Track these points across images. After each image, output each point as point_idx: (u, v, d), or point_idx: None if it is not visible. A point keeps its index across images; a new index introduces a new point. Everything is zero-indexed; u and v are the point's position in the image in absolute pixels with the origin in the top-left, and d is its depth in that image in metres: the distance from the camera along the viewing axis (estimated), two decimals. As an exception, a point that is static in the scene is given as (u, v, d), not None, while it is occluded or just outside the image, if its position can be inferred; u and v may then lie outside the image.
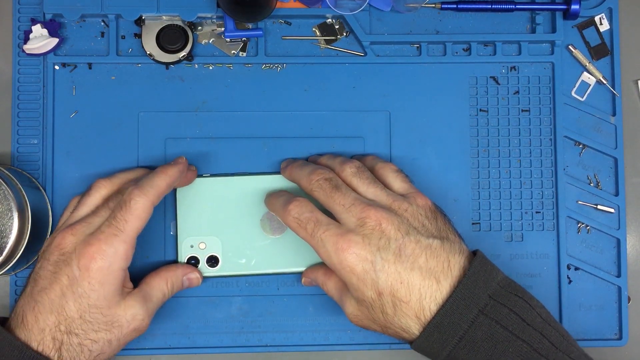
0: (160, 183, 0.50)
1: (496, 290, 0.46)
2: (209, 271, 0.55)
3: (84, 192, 0.52)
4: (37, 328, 0.46)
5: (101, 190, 0.51)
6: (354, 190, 0.50)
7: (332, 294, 0.52)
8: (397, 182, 0.52)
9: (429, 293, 0.45)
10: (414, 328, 0.46)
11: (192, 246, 0.55)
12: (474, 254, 0.48)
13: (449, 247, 0.47)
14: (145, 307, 0.50)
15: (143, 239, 0.54)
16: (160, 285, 0.52)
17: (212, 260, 0.55)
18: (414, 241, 0.46)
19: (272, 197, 0.53)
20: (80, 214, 0.50)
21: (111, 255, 0.47)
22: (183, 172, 0.52)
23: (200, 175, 0.56)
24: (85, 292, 0.46)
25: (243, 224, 0.55)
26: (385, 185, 0.51)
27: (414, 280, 0.45)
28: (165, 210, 0.56)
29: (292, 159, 0.56)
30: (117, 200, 0.49)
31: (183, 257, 0.55)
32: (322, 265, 0.53)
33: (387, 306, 0.46)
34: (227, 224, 0.55)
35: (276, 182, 0.56)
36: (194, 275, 0.54)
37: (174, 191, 0.55)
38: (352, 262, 0.46)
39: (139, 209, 0.48)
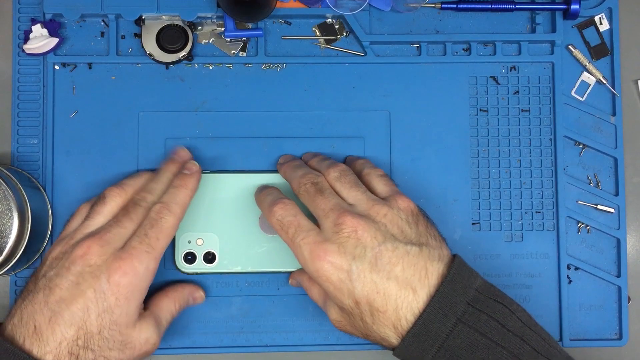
0: (185, 199, 0.50)
1: (475, 297, 0.45)
2: (205, 268, 0.55)
3: (97, 201, 0.51)
4: (54, 340, 0.44)
5: (117, 199, 0.50)
6: (338, 194, 0.50)
7: (316, 300, 0.52)
8: (380, 185, 0.51)
9: (405, 303, 0.45)
10: (392, 338, 0.46)
11: (189, 242, 0.55)
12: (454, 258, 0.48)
13: (428, 253, 0.46)
14: (157, 331, 0.49)
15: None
16: (169, 307, 0.52)
17: (209, 257, 0.55)
18: (390, 249, 0.46)
19: (261, 194, 0.53)
20: (97, 222, 0.49)
21: (142, 271, 0.47)
22: (200, 179, 0.53)
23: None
24: (111, 307, 0.46)
25: (241, 222, 0.55)
26: (369, 189, 0.51)
27: (390, 291, 0.45)
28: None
29: (290, 156, 0.56)
30: (141, 214, 0.49)
31: (180, 252, 0.55)
32: None
33: (366, 315, 0.46)
34: (226, 221, 0.55)
35: (276, 181, 0.55)
36: (198, 294, 0.55)
37: None
38: (328, 271, 0.46)
39: (169, 227, 0.48)
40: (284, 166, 0.54)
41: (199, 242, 0.55)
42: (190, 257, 0.55)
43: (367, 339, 0.48)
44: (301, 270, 0.54)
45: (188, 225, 0.55)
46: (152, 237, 0.47)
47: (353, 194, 0.49)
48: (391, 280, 0.45)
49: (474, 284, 0.46)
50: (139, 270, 0.46)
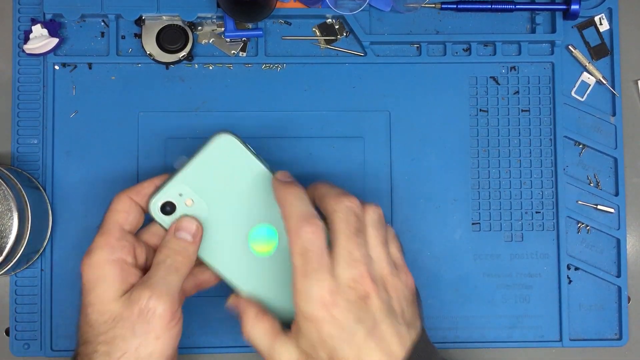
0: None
1: None
2: (163, 220, 0.48)
3: None
4: None
5: None
6: (364, 237, 0.46)
7: (260, 341, 0.46)
8: (392, 248, 0.48)
9: None
10: None
11: (181, 195, 0.47)
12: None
13: (413, 334, 0.46)
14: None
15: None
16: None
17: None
18: (389, 325, 0.44)
19: (290, 197, 0.46)
20: None
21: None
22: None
23: (237, 136, 0.48)
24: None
25: (239, 217, 0.48)
26: None
27: None
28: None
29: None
30: None
31: (164, 195, 0.47)
32: (256, 306, 0.48)
33: None
34: (227, 204, 0.48)
35: None
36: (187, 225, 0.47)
37: (207, 138, 0.48)
38: (323, 323, 0.43)
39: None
40: (319, 185, 0.48)
41: (188, 202, 0.47)
42: (168, 209, 0.47)
43: None
44: (248, 303, 0.48)
45: (193, 178, 0.47)
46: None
47: (378, 251, 0.46)
48: (376, 353, 0.44)
49: None
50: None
